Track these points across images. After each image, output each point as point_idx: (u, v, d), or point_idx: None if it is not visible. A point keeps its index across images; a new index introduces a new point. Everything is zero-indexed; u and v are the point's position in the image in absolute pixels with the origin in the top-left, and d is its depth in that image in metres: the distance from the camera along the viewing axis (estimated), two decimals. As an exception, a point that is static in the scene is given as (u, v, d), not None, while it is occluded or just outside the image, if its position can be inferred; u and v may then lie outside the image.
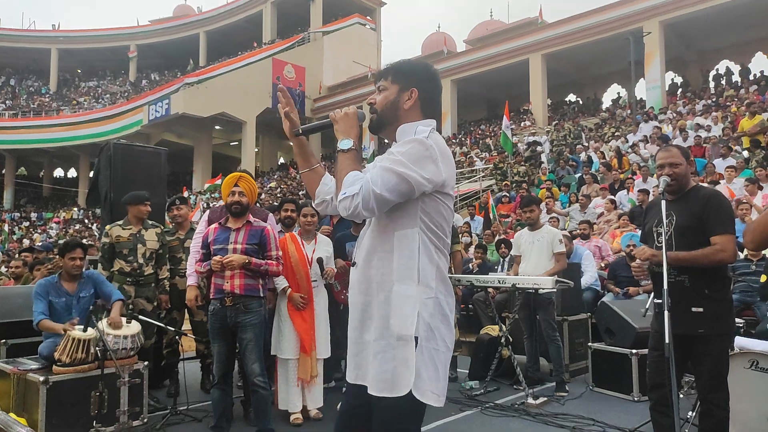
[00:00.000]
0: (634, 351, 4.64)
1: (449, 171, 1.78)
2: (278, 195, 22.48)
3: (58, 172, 41.41)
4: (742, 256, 5.73)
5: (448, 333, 1.77)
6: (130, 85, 38.70)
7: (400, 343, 1.69)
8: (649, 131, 14.32)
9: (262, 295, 3.74)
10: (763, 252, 5.66)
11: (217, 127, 32.71)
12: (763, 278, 5.36)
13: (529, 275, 4.94)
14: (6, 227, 25.28)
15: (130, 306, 4.56)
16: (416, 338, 1.70)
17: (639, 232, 7.46)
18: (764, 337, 3.92)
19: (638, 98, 20.38)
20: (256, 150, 33.00)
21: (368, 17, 35.89)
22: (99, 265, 4.77)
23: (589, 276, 6.57)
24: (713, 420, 2.71)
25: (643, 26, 19.49)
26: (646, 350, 2.99)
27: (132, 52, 38.21)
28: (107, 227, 4.79)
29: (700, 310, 2.71)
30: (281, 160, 37.83)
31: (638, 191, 9.42)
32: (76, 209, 31.25)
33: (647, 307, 3.10)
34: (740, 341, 3.57)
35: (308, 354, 4.11)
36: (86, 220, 27.74)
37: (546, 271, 4.93)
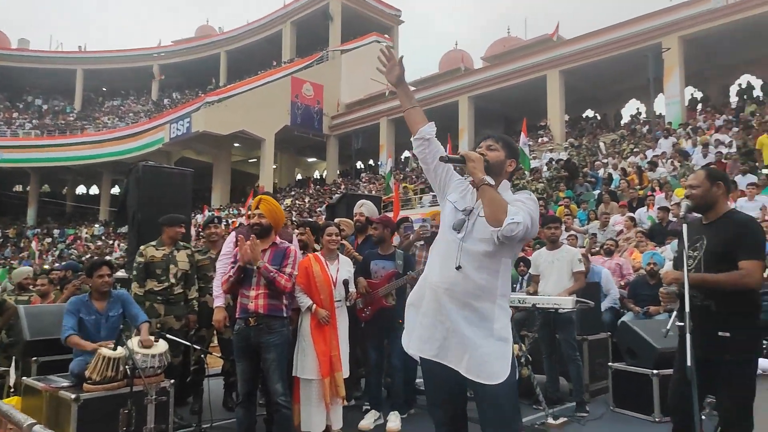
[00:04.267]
0: (655, 371, 4.62)
1: None
2: (294, 211, 22.66)
3: (80, 189, 42.24)
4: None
5: None
6: (152, 104, 39.54)
7: (501, 343, 2.28)
8: (669, 147, 14.26)
9: (285, 315, 3.81)
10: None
11: (236, 145, 33.17)
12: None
13: (548, 294, 4.96)
14: (33, 245, 25.71)
15: (159, 324, 4.65)
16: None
17: (658, 250, 7.42)
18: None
19: (657, 113, 20.26)
20: (275, 167, 33.37)
21: (386, 35, 36.27)
22: (134, 283, 4.86)
23: (610, 298, 6.56)
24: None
25: (663, 42, 19.36)
26: (669, 370, 2.99)
27: (160, 76, 38.89)
28: (141, 247, 4.89)
29: (727, 334, 2.69)
30: (298, 176, 38.18)
31: (658, 209, 9.36)
32: (97, 225, 31.81)
33: (668, 327, 3.09)
34: (764, 363, 3.54)
35: (325, 377, 4.13)
36: (103, 237, 28.14)
37: (565, 290, 4.94)
